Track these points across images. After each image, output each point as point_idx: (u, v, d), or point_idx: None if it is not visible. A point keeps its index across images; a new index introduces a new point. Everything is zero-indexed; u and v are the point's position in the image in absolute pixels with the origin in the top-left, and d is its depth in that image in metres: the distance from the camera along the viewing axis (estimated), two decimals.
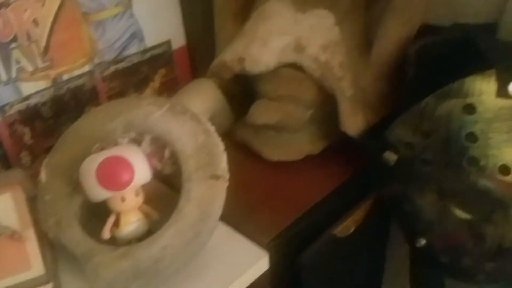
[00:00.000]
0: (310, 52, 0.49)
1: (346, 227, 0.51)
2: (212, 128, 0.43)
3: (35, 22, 0.46)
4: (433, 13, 0.47)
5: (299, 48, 0.49)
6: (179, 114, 0.42)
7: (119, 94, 0.58)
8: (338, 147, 0.55)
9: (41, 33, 0.47)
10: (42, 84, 0.49)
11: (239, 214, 0.48)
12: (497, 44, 0.43)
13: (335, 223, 0.50)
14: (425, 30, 0.48)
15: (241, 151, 0.57)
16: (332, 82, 0.49)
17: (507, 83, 0.38)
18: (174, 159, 0.42)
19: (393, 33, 0.47)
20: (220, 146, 0.41)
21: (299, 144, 0.55)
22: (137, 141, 0.43)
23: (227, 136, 0.58)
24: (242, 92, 0.60)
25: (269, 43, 0.50)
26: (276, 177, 0.53)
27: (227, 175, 0.41)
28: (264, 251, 0.45)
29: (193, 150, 0.40)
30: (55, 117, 0.52)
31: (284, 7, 0.50)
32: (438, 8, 0.49)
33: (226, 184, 0.41)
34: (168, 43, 0.62)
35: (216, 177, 0.40)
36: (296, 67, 0.50)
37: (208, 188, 0.40)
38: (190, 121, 0.42)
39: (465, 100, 0.40)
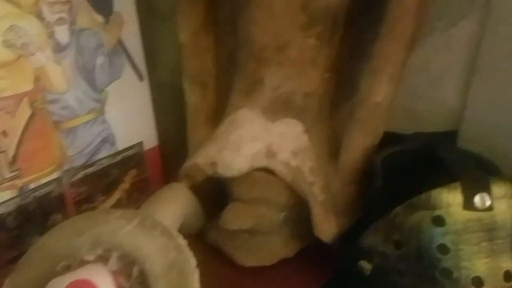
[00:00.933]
0: (281, 157, 0.50)
1: None
2: (183, 243, 0.42)
3: (4, 133, 0.46)
4: (395, 121, 0.50)
5: (270, 154, 0.50)
6: (149, 229, 0.41)
7: (87, 199, 0.56)
8: (312, 249, 0.55)
9: (10, 144, 0.47)
10: (7, 195, 0.48)
11: None
12: (459, 154, 0.45)
13: None
14: (388, 138, 0.50)
15: (213, 254, 0.56)
16: (304, 186, 0.50)
17: (473, 196, 0.40)
18: (143, 279, 0.40)
19: (359, 143, 0.49)
20: (191, 262, 0.40)
21: (273, 248, 0.54)
22: (104, 258, 0.41)
23: (199, 237, 0.57)
24: (214, 191, 0.59)
25: (241, 149, 0.51)
26: (250, 285, 0.52)
27: None
28: None
29: (163, 270, 0.39)
30: (19, 227, 0.50)
31: (255, 116, 0.51)
32: (400, 117, 0.51)
33: None
34: (140, 144, 0.62)
35: None
36: (268, 171, 0.51)
37: None
38: (161, 237, 0.41)
39: (433, 212, 0.40)
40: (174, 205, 0.50)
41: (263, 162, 0.51)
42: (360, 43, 0.54)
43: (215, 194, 0.59)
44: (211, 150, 0.54)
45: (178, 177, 0.57)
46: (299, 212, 0.53)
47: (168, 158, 0.66)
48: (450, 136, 0.51)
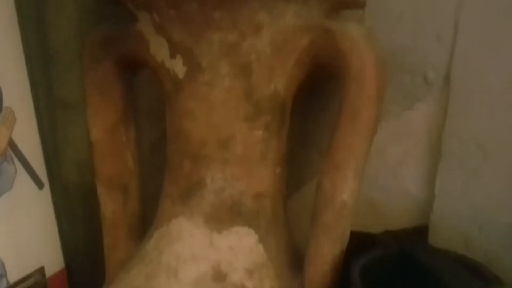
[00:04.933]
0: (233, 279, 0.40)
1: None
2: None
3: None
4: (356, 216, 0.43)
5: (219, 276, 0.40)
6: None
7: None
8: None
9: None
10: None
11: None
12: (446, 261, 0.38)
13: None
14: (355, 238, 0.43)
15: None
16: None
17: None
18: None
19: (326, 251, 0.40)
20: None
21: None
22: None
23: None
24: None
25: (180, 273, 0.40)
26: None
27: None
28: None
29: None
30: None
31: (195, 227, 0.41)
32: (361, 211, 0.45)
33: None
34: (40, 271, 0.48)
35: None
36: None
37: None
38: None
39: None
40: None
41: None
42: (311, 131, 0.48)
43: None
44: (137, 277, 0.42)
45: None
46: None
47: (77, 285, 0.52)
48: (421, 231, 0.45)
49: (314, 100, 0.49)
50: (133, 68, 0.46)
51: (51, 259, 0.49)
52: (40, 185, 0.47)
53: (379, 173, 0.47)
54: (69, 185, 0.53)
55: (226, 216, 0.41)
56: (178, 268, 0.40)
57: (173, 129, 0.42)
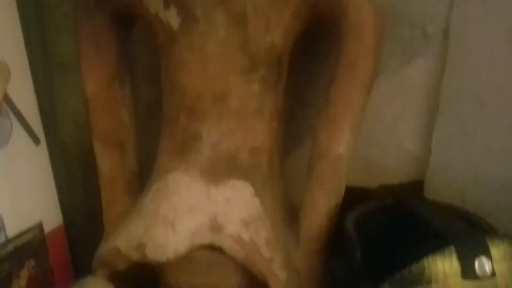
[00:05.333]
0: (230, 230, 0.40)
1: None
2: None
3: None
4: (352, 173, 0.43)
5: (216, 226, 0.40)
6: None
7: None
8: None
9: None
10: None
11: None
12: (440, 210, 0.39)
13: None
14: (352, 193, 0.43)
15: None
16: (260, 265, 0.40)
17: (472, 261, 0.33)
18: None
19: (321, 205, 0.41)
20: None
21: None
22: None
23: None
24: (143, 281, 0.47)
25: (177, 225, 0.41)
26: None
27: None
28: None
29: None
30: None
31: (192, 180, 0.41)
32: (357, 168, 0.45)
33: None
34: (38, 226, 0.48)
35: None
36: (213, 248, 0.41)
37: None
38: None
39: (429, 286, 0.33)
40: None
41: (206, 239, 0.40)
42: (308, 88, 0.48)
43: (144, 283, 0.47)
44: (135, 229, 0.42)
45: (93, 266, 0.44)
46: None
47: (76, 241, 0.52)
48: (417, 186, 0.45)
49: (312, 58, 0.48)
50: (127, 22, 0.45)
51: (49, 215, 0.49)
52: (36, 140, 0.47)
53: (376, 130, 0.47)
54: (68, 146, 0.53)
55: (222, 169, 0.41)
56: (175, 220, 0.41)
57: (168, 83, 0.42)
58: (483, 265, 0.33)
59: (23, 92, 0.47)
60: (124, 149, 0.47)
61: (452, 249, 0.33)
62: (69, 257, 0.52)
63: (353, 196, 0.43)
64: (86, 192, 0.52)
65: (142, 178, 0.49)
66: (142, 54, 0.52)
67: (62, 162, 0.51)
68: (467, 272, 0.33)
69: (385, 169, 0.47)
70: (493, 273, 0.33)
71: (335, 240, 0.43)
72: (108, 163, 0.47)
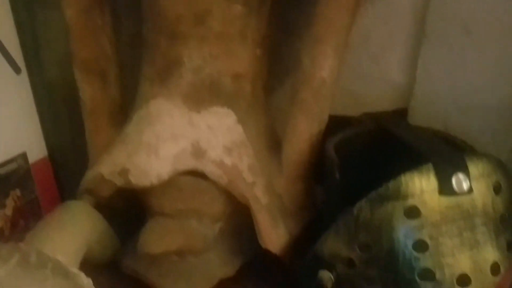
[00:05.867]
0: (212, 155, 0.40)
1: None
2: (87, 282, 0.30)
3: None
4: (337, 105, 0.43)
5: (198, 152, 0.40)
6: (35, 269, 0.29)
7: None
8: (258, 264, 0.45)
9: None
10: None
11: None
12: (421, 132, 0.39)
13: None
14: (334, 122, 0.43)
15: (133, 286, 0.44)
16: (243, 189, 0.40)
17: (449, 178, 0.33)
18: None
19: (304, 130, 0.41)
20: None
21: (209, 268, 0.44)
22: None
23: (113, 267, 0.45)
24: (127, 207, 0.48)
25: (160, 150, 0.40)
26: None
27: None
28: None
29: None
30: None
31: (174, 106, 0.41)
32: (341, 99, 0.45)
33: None
34: (23, 156, 0.48)
35: None
36: (196, 174, 0.41)
37: None
38: (53, 277, 0.29)
39: (405, 202, 0.33)
40: (73, 230, 0.37)
41: (189, 164, 0.40)
42: (293, 14, 0.47)
43: (128, 210, 0.47)
44: (118, 155, 0.42)
45: (78, 193, 0.44)
46: (238, 222, 0.44)
47: (62, 171, 0.52)
48: (400, 114, 0.45)
49: None
50: None
51: (34, 146, 0.49)
52: (17, 69, 0.46)
53: (361, 60, 0.46)
54: (50, 76, 0.52)
55: (204, 95, 0.41)
56: (158, 146, 0.41)
57: (147, 4, 0.41)
58: (460, 181, 0.33)
59: (2, 23, 0.45)
60: (106, 79, 0.47)
61: (430, 166, 0.33)
62: (56, 189, 0.52)
63: (337, 125, 0.43)
64: (71, 125, 0.51)
65: (125, 110, 0.49)
66: None
67: (45, 91, 0.50)
68: (444, 188, 0.33)
69: (369, 99, 0.47)
70: (470, 190, 0.33)
71: (317, 168, 0.43)
72: (89, 93, 0.46)
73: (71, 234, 0.36)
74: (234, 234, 0.45)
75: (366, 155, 0.40)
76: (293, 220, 0.42)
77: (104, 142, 0.46)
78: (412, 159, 0.35)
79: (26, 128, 0.49)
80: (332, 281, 0.37)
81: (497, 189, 0.34)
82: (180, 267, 0.43)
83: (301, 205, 0.43)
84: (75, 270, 0.30)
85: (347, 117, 0.45)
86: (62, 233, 0.36)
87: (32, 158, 0.49)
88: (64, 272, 0.29)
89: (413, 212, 0.33)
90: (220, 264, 0.44)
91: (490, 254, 0.33)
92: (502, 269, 0.33)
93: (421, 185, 0.33)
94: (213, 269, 0.44)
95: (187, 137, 0.41)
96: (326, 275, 0.37)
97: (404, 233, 0.33)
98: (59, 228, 0.36)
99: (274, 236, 0.40)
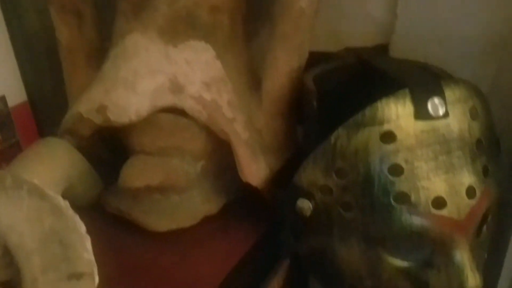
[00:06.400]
0: (191, 91, 0.40)
1: None
2: (64, 204, 0.30)
3: None
4: (320, 39, 0.42)
5: (176, 87, 0.40)
6: (10, 190, 0.29)
7: None
8: (240, 201, 0.46)
9: None
10: None
11: None
12: (400, 62, 0.38)
13: None
14: (315, 58, 0.43)
15: (118, 225, 0.44)
16: (223, 124, 0.40)
17: (425, 103, 0.33)
18: (9, 258, 0.28)
19: (283, 63, 0.40)
20: (79, 228, 0.29)
21: (193, 205, 0.44)
22: None
23: (98, 208, 0.45)
24: (109, 149, 0.48)
25: (137, 86, 0.40)
26: (167, 254, 0.41)
27: (94, 269, 0.28)
28: None
29: (37, 242, 0.27)
30: None
31: (150, 41, 0.40)
32: (324, 34, 0.44)
33: (94, 283, 0.28)
34: (2, 100, 0.47)
35: (77, 275, 0.27)
36: (176, 111, 0.40)
37: None
38: (29, 198, 0.29)
39: (381, 127, 0.33)
40: (52, 162, 0.37)
41: (168, 100, 0.40)
42: None
43: (111, 153, 0.47)
44: (96, 93, 0.42)
45: (58, 134, 0.44)
46: (220, 159, 0.44)
47: (42, 116, 0.52)
48: (381, 49, 0.44)
49: None
50: None
51: (12, 90, 0.49)
52: None
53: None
54: (31, 32, 0.51)
55: (181, 28, 0.40)
56: (135, 81, 0.40)
57: None
58: (436, 106, 0.33)
59: None
60: (82, 19, 0.45)
61: (406, 91, 0.33)
62: (37, 134, 0.52)
63: (318, 61, 0.43)
64: (50, 68, 0.50)
65: (103, 51, 0.48)
66: None
67: (23, 40, 0.49)
68: (420, 112, 0.33)
69: (351, 36, 0.46)
70: (446, 114, 0.33)
71: (298, 108, 0.43)
72: (66, 33, 0.45)
73: (49, 166, 0.36)
74: (217, 173, 0.45)
75: (346, 89, 0.40)
76: (273, 156, 0.42)
77: (82, 83, 0.46)
78: (390, 88, 0.35)
79: (4, 72, 0.48)
80: (311, 209, 0.37)
81: (473, 114, 0.34)
82: (163, 204, 0.44)
83: (282, 142, 0.43)
84: (51, 192, 0.30)
85: (328, 53, 0.44)
86: (40, 165, 0.36)
87: (12, 102, 0.49)
88: (40, 194, 0.29)
89: (388, 137, 0.33)
90: (203, 202, 0.45)
91: (466, 177, 0.33)
92: (478, 193, 0.34)
93: (397, 110, 0.33)
94: (197, 206, 0.44)
95: (165, 72, 0.40)
96: (305, 204, 0.37)
97: (379, 157, 0.33)
98: (37, 160, 0.36)
99: (254, 169, 0.40)
